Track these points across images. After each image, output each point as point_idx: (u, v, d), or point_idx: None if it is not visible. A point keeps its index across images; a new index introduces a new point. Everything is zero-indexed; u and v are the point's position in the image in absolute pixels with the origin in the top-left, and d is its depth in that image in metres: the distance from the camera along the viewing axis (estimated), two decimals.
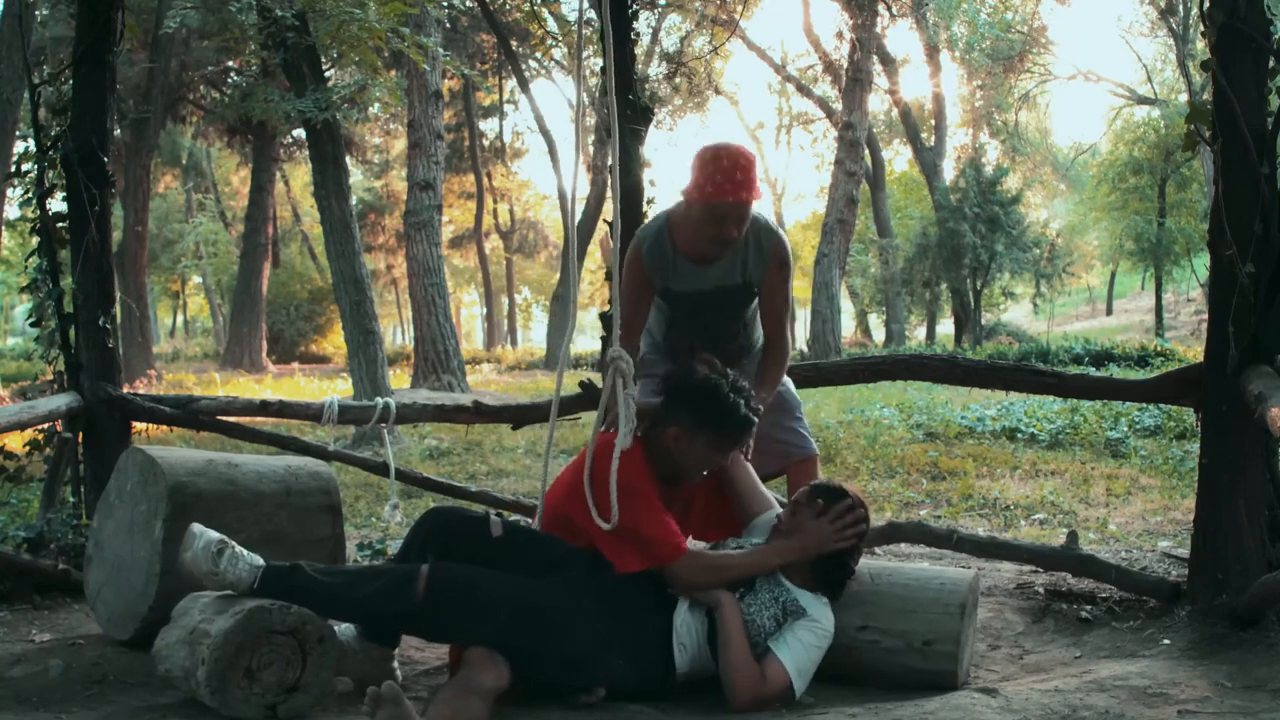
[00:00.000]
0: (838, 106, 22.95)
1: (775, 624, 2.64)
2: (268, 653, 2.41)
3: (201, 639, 2.40)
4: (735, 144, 3.05)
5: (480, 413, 3.99)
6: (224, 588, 2.48)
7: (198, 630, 2.43)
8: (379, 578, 2.53)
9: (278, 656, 2.42)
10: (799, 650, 2.61)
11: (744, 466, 2.98)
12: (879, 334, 29.99)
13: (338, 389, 15.08)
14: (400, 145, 26.15)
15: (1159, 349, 16.55)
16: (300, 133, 19.74)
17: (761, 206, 3.37)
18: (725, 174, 2.92)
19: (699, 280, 3.14)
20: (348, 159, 12.49)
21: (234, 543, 2.51)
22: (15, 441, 4.15)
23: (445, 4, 15.86)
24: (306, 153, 13.20)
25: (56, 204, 4.07)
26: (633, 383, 2.68)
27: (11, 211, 11.18)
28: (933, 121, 27.76)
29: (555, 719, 2.47)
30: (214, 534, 2.49)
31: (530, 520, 4.06)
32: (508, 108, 30.44)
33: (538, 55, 22.66)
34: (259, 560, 2.50)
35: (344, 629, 2.67)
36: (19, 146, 9.65)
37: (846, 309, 27.14)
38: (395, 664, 2.73)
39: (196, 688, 2.40)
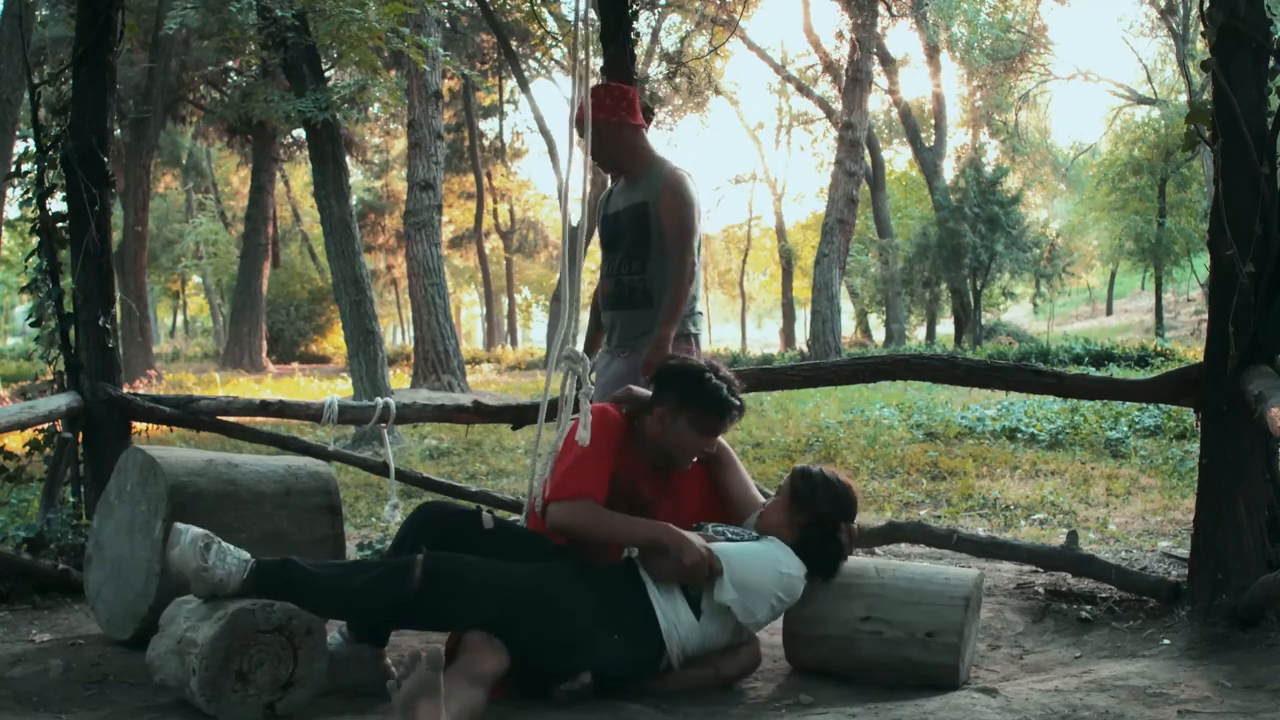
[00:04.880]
0: (838, 106, 22.93)
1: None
2: (257, 653, 2.39)
3: (189, 648, 2.37)
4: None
5: (480, 413, 3.99)
6: (214, 584, 2.43)
7: (185, 640, 2.40)
8: (373, 568, 2.52)
9: (268, 655, 2.41)
10: (734, 549, 2.66)
11: (736, 469, 3.00)
12: (879, 334, 29.95)
13: (338, 389, 15.09)
14: (400, 145, 26.14)
15: (1159, 349, 16.54)
16: (300, 133, 19.75)
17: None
18: (592, 98, 3.26)
19: (618, 202, 3.67)
20: (348, 159, 12.49)
21: (219, 538, 2.48)
22: (15, 441, 4.15)
23: (445, 4, 15.86)
24: (306, 153, 13.20)
25: (56, 204, 4.07)
26: (589, 382, 2.72)
27: (11, 211, 11.17)
28: (933, 121, 27.73)
29: (554, 719, 2.48)
30: (199, 530, 2.46)
31: None
32: (508, 108, 30.52)
33: (538, 55, 22.65)
34: (246, 555, 2.48)
35: (331, 638, 2.66)
36: (19, 146, 9.65)
37: (846, 309, 27.10)
38: (388, 661, 2.72)
39: (192, 697, 2.39)
